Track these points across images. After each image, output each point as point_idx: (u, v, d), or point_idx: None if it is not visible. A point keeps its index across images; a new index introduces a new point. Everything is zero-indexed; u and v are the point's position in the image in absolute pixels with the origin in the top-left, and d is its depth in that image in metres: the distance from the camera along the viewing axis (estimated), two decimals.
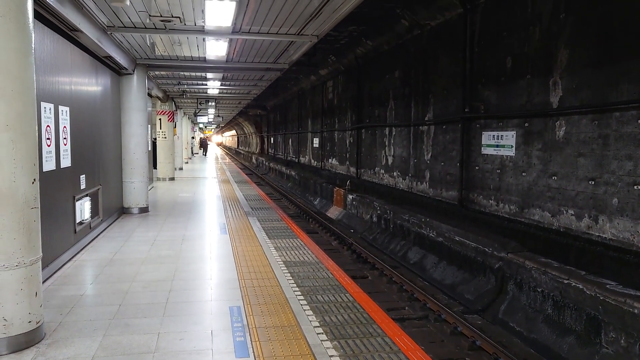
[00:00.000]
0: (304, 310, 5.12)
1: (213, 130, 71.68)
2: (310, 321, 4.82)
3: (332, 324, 4.79)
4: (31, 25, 4.21)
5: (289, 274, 6.45)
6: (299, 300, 5.42)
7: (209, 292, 5.70)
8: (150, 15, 7.33)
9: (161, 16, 7.34)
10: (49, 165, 6.19)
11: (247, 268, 6.65)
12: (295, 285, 6.00)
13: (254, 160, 44.60)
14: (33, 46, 4.25)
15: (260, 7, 6.96)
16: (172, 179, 19.77)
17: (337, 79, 19.91)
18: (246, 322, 4.74)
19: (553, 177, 8.04)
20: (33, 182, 4.21)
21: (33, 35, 4.25)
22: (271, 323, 4.73)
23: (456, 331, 6.93)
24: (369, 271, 9.94)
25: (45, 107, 6.03)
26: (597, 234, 7.17)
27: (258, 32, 8.46)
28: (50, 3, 5.54)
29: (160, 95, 18.08)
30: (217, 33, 8.46)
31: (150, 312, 5.03)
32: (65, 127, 6.89)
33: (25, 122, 4.13)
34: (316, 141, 23.62)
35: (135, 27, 8.20)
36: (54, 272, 6.37)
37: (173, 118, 20.44)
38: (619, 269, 6.68)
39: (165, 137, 19.49)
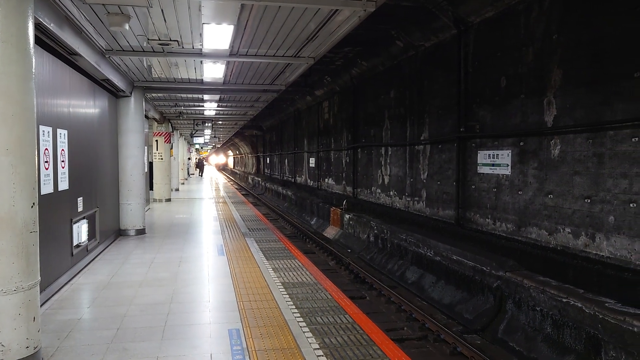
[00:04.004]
0: (304, 332, 5.09)
1: (209, 150, 71.78)
2: (310, 343, 4.79)
3: (332, 346, 4.75)
4: (32, 50, 4.26)
5: (287, 296, 6.42)
6: (298, 322, 5.40)
7: (207, 315, 5.66)
8: (148, 39, 7.41)
9: (159, 40, 7.42)
10: (47, 188, 6.18)
11: (246, 290, 6.62)
12: (294, 306, 5.97)
13: (250, 181, 44.59)
14: (34, 71, 4.29)
15: (258, 31, 7.06)
16: (169, 200, 19.75)
17: (332, 99, 20.05)
18: (245, 345, 4.71)
19: (549, 196, 8.08)
20: (32, 206, 4.21)
21: (34, 60, 4.30)
22: (271, 346, 4.70)
23: (456, 351, 6.88)
24: (367, 291, 9.90)
25: (43, 130, 6.06)
26: (594, 252, 7.19)
27: (255, 55, 8.56)
28: (50, 28, 5.61)
29: (157, 116, 18.15)
30: (215, 56, 8.55)
31: (148, 336, 4.99)
32: (63, 150, 6.91)
33: (25, 146, 4.15)
34: (312, 161, 23.69)
35: (134, 51, 8.29)
36: (51, 296, 6.33)
37: (170, 139, 20.50)
38: (617, 287, 6.69)
39: (161, 159, 19.52)
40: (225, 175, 63.93)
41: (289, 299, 6.27)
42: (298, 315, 5.65)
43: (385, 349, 4.65)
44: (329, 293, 6.66)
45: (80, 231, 7.74)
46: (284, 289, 6.75)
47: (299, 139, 26.56)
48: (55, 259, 6.61)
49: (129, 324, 5.36)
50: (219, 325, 5.31)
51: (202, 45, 7.80)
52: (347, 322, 5.48)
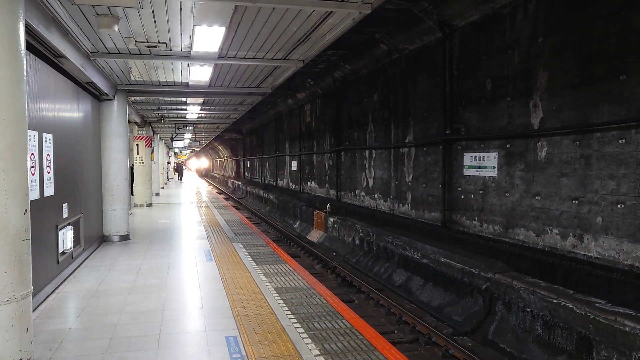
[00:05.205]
0: (302, 338, 5.03)
1: (188, 154, 71.07)
2: (310, 349, 4.74)
3: (333, 352, 4.70)
4: (23, 52, 4.13)
5: (281, 301, 6.35)
6: (296, 328, 5.34)
7: (202, 322, 5.56)
8: (136, 41, 7.26)
9: (147, 42, 7.29)
10: (33, 194, 6.01)
11: (239, 296, 6.52)
12: (289, 312, 5.90)
13: (229, 184, 44.27)
14: (25, 74, 4.16)
15: (249, 33, 6.97)
16: (150, 205, 19.45)
17: (315, 103, 20.03)
18: (245, 353, 4.63)
19: (536, 197, 8.18)
20: (24, 213, 4.09)
21: (25, 62, 4.17)
22: (271, 353, 4.63)
23: (448, 354, 6.90)
24: (355, 295, 9.88)
25: (30, 135, 5.88)
26: (582, 253, 7.29)
27: (244, 57, 8.46)
28: (38, 30, 5.46)
29: (138, 120, 17.88)
30: (203, 58, 8.43)
31: (143, 345, 4.88)
32: (48, 154, 6.73)
33: (17, 152, 4.02)
34: (294, 164, 23.60)
35: (120, 53, 8.13)
36: (38, 305, 6.15)
37: (150, 143, 20.23)
38: (606, 287, 6.78)
39: (142, 163, 19.25)
40: (206, 180, 63.31)
41: (284, 305, 6.20)
42: (295, 321, 5.59)
43: (387, 354, 4.62)
44: (324, 298, 6.61)
45: (66, 238, 7.55)
46: (277, 294, 6.68)
47: (281, 142, 26.45)
48: (42, 267, 6.43)
49: (122, 333, 5.23)
50: (215, 332, 5.21)
51: (191, 47, 7.68)
52: (345, 327, 5.44)
